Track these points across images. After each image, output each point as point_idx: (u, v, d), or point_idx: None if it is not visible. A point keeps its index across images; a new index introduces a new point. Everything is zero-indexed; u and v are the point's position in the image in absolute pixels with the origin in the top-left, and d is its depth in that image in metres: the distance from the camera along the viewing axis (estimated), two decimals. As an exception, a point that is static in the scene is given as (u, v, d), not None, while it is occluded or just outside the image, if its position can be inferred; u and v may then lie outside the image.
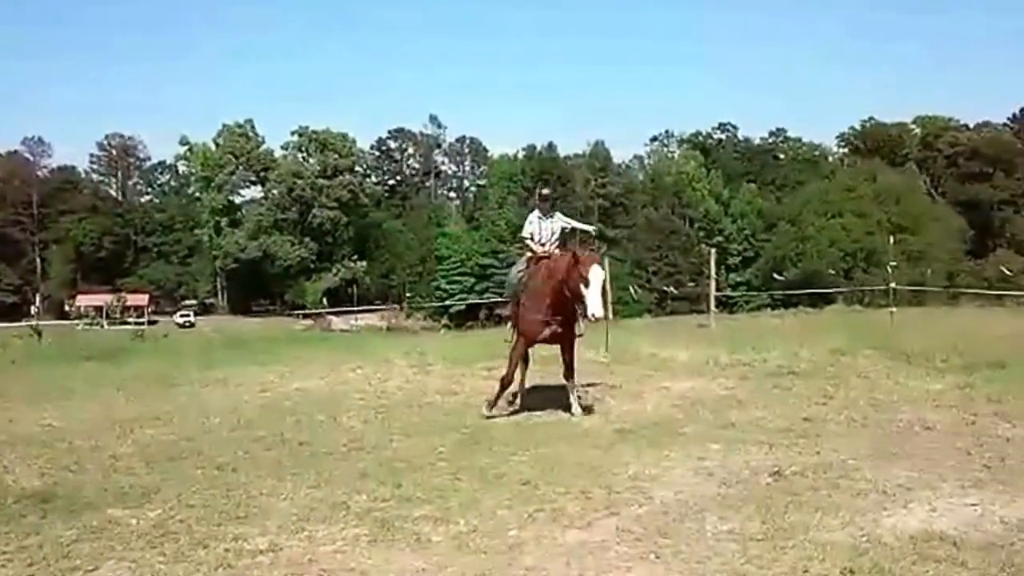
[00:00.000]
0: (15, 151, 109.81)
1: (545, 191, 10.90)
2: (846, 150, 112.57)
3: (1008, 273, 60.80)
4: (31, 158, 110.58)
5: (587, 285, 9.20)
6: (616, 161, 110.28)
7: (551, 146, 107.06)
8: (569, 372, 10.03)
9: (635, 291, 48.17)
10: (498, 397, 10.00)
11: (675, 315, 39.83)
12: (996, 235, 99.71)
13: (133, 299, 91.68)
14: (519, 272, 10.41)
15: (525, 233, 10.47)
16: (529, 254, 10.38)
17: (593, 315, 9.30)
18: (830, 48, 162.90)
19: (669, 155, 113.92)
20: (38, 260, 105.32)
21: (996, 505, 5.97)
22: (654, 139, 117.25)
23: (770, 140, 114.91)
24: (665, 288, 59.68)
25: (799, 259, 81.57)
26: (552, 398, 10.52)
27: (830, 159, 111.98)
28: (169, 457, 8.13)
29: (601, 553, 5.37)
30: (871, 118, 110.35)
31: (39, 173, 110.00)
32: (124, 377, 13.97)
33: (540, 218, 10.40)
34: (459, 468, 7.37)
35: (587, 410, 9.79)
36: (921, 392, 10.31)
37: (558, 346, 10.06)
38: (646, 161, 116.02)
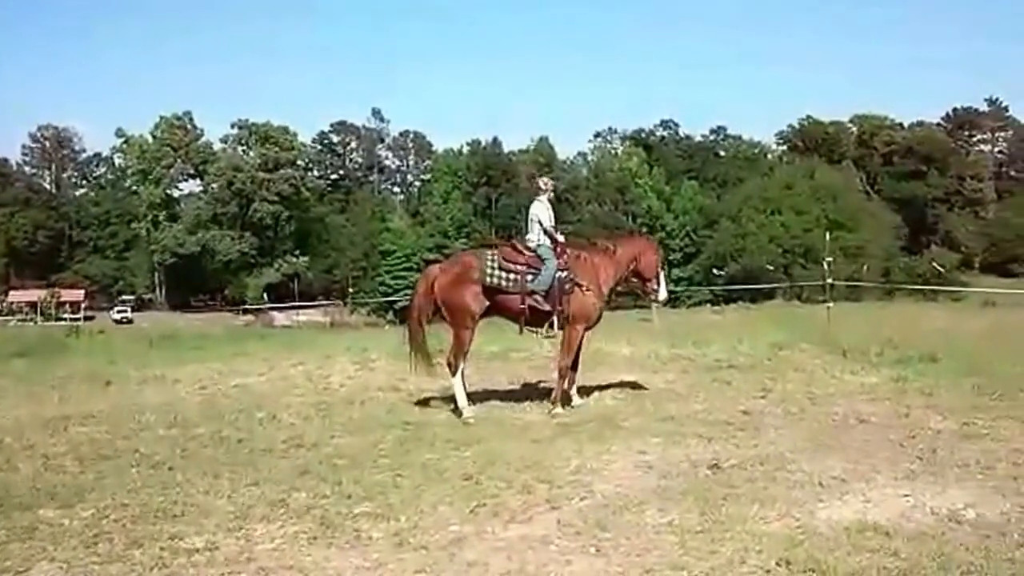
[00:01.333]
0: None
1: (549, 180, 10.66)
2: (785, 148, 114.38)
3: (941, 269, 62.44)
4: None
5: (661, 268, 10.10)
6: (560, 157, 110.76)
7: (496, 141, 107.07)
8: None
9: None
10: (565, 389, 9.85)
11: (619, 310, 40.08)
12: (930, 232, 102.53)
13: (68, 295, 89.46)
14: (559, 264, 9.82)
15: (548, 223, 10.05)
16: (552, 244, 9.96)
17: (661, 298, 10.41)
18: (770, 46, 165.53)
19: (612, 152, 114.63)
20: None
21: (927, 496, 6.10)
22: (597, 135, 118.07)
23: (711, 137, 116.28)
24: (608, 284, 60.00)
25: (739, 255, 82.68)
26: (495, 394, 10.54)
27: (769, 156, 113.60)
28: (103, 456, 7.98)
29: (542, 547, 5.38)
30: (809, 116, 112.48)
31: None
32: (57, 375, 13.64)
33: (547, 208, 10.14)
34: (400, 464, 7.33)
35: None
36: (856, 385, 10.52)
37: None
38: (590, 157, 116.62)
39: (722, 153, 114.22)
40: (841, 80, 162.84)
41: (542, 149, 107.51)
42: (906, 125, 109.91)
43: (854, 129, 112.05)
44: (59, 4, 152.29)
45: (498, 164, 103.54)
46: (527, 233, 10.09)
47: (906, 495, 6.15)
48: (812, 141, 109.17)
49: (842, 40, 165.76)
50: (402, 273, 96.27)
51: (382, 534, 5.64)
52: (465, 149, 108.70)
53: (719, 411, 9.25)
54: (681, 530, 5.55)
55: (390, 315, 79.42)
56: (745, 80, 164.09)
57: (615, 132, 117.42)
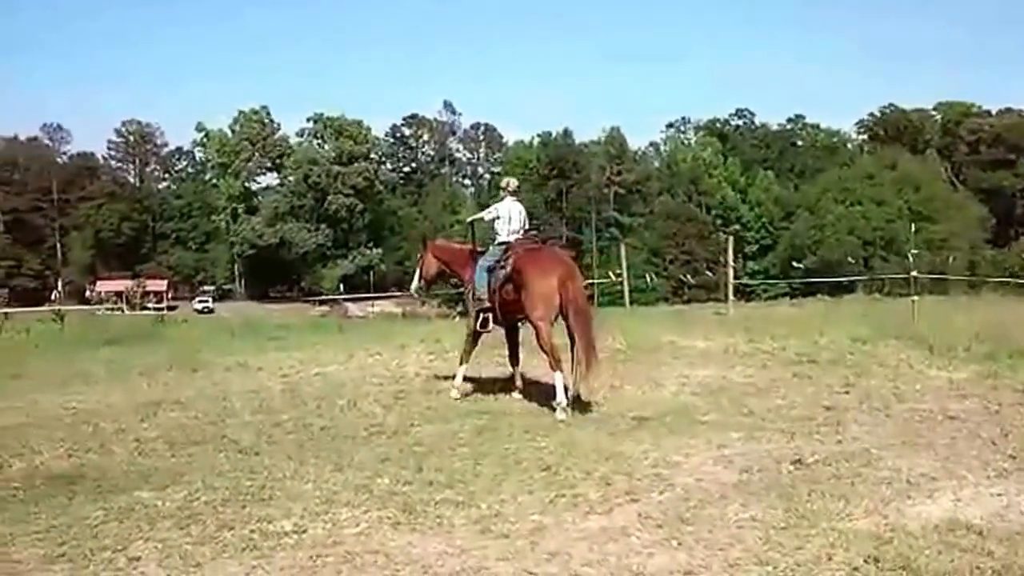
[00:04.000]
0: (34, 137, 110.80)
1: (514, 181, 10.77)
2: (865, 137, 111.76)
3: (1030, 262, 60.28)
4: (50, 144, 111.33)
5: None
6: (632, 148, 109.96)
7: (567, 132, 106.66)
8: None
9: (651, 279, 47.97)
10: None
11: (692, 303, 39.72)
12: (1019, 223, 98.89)
13: (152, 285, 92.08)
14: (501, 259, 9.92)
15: (488, 216, 10.40)
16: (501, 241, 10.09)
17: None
18: (849, 33, 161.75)
19: (686, 142, 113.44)
20: (58, 246, 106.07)
21: (1022, 496, 5.93)
22: (670, 126, 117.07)
23: (788, 126, 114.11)
24: (682, 276, 59.42)
25: (817, 247, 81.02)
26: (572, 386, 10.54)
27: (849, 146, 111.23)
28: (193, 440, 8.21)
29: (623, 539, 5.37)
30: (891, 104, 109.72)
31: (58, 159, 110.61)
32: (146, 361, 14.06)
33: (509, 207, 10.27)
34: (479, 453, 7.40)
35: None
36: (944, 381, 10.24)
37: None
38: (662, 148, 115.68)
39: (800, 143, 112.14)
40: (924, 67, 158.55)
41: (613, 140, 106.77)
42: (993, 112, 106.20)
43: (938, 117, 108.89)
44: (141, 3, 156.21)
45: (569, 156, 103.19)
46: (510, 232, 10.10)
47: (999, 494, 6.00)
48: (894, 130, 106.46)
49: (925, 25, 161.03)
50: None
51: (464, 521, 5.70)
52: (536, 141, 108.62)
53: (800, 406, 9.09)
54: (764, 525, 5.49)
55: (460, 307, 79.98)
56: (824, 68, 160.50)
57: (688, 122, 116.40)
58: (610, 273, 26.27)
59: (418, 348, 13.80)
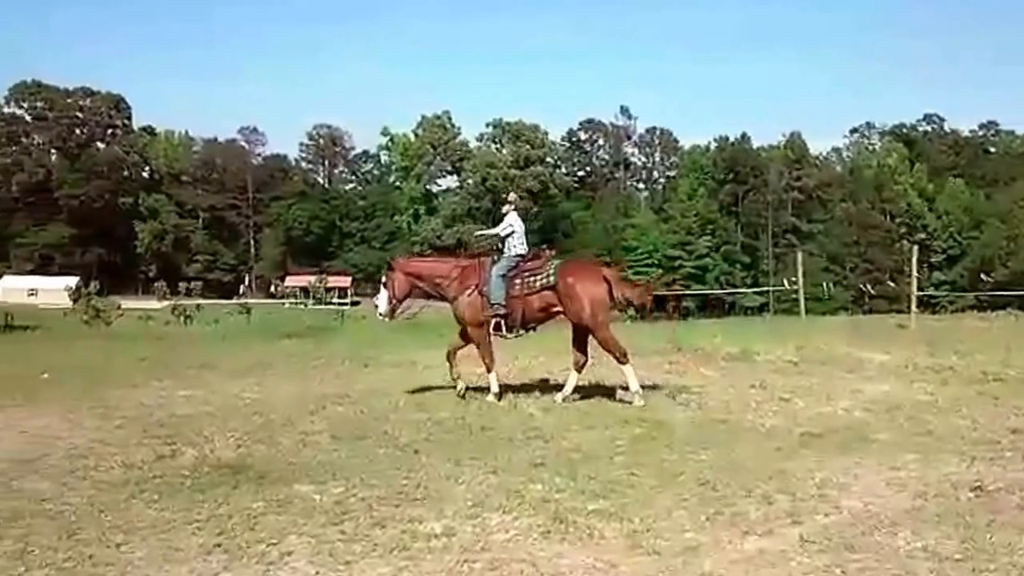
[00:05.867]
0: (232, 139, 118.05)
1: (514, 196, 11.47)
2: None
3: None
4: (246, 146, 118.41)
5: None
6: (813, 153, 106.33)
7: (744, 137, 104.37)
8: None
9: (829, 287, 46.00)
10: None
11: (873, 314, 37.80)
12: None
13: (335, 281, 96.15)
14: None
15: (504, 232, 10.70)
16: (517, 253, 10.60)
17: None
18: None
19: (870, 147, 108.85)
20: (252, 242, 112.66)
21: None
22: (854, 131, 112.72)
23: (980, 133, 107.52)
24: (862, 285, 56.79)
25: (1009, 258, 75.88)
26: (737, 398, 10.22)
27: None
28: (355, 435, 8.41)
29: (782, 563, 5.08)
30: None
31: (254, 160, 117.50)
32: (322, 356, 14.66)
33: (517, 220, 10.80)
34: (636, 463, 7.22)
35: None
36: None
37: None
38: (845, 153, 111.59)
39: (992, 150, 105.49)
40: None
41: (794, 144, 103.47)
42: None
43: None
44: (328, 13, 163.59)
45: (746, 160, 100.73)
46: (518, 244, 10.61)
47: None
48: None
49: None
50: (644, 269, 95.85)
51: (615, 534, 5.55)
52: (712, 145, 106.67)
53: (984, 428, 8.45)
54: (937, 556, 5.07)
55: (631, 310, 79.36)
56: (1019, 73, 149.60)
57: (873, 127, 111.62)
58: (785, 281, 25.41)
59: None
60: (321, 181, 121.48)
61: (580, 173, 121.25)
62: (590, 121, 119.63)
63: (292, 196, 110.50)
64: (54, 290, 74.61)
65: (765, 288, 76.52)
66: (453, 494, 6.37)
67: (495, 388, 10.35)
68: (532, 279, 10.30)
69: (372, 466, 7.17)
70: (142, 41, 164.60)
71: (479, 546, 5.35)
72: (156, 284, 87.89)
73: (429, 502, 6.18)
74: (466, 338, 10.69)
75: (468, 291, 10.47)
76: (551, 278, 10.22)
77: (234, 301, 52.31)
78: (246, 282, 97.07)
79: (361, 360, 13.80)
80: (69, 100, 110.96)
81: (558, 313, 10.37)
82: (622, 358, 10.09)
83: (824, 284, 45.41)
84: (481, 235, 11.22)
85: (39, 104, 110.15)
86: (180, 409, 10.01)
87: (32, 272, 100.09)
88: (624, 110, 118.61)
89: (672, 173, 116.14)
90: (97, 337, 21.60)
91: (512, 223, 10.67)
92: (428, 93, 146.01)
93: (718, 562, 5.10)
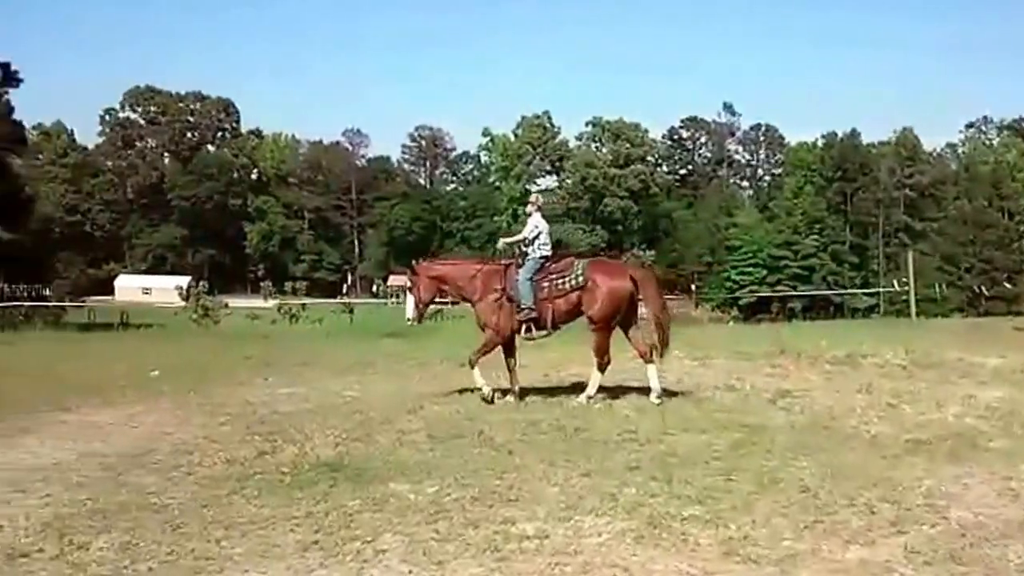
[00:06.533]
0: (337, 142, 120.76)
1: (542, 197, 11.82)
2: None
3: None
4: (350, 148, 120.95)
5: None
6: (926, 149, 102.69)
7: (853, 133, 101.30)
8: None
9: (942, 288, 44.33)
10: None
11: (988, 316, 36.24)
12: None
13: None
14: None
15: (531, 234, 10.65)
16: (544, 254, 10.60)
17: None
18: None
19: (987, 143, 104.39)
20: (356, 242, 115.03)
21: None
22: (970, 125, 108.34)
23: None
24: (977, 287, 54.52)
25: None
26: (842, 403, 9.91)
27: None
28: (452, 435, 8.46)
29: (885, 575, 4.90)
30: None
31: (357, 162, 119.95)
32: (421, 355, 14.83)
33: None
34: (733, 468, 7.06)
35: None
36: None
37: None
38: (960, 149, 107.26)
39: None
40: None
41: (905, 140, 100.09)
42: None
43: None
44: (429, 17, 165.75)
45: (855, 157, 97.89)
46: (541, 245, 10.58)
47: None
48: None
49: None
50: (748, 269, 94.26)
51: (710, 541, 5.43)
52: (820, 142, 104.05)
53: (1110, 439, 7.98)
54: (1054, 574, 4.81)
55: (734, 311, 78.13)
56: None
57: (991, 122, 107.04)
58: (895, 282, 24.65)
59: (681, 353, 13.53)
60: (422, 182, 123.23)
61: (682, 171, 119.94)
62: (692, 118, 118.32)
63: (395, 197, 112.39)
64: (166, 289, 77.83)
65: (875, 289, 74.44)
66: (546, 496, 6.34)
67: (479, 383, 10.35)
68: (560, 281, 10.37)
69: (467, 466, 7.20)
70: (250, 46, 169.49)
71: (571, 549, 5.31)
72: (263, 283, 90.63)
73: (522, 503, 6.17)
74: (509, 345, 10.73)
75: (491, 295, 10.51)
76: (579, 279, 10.29)
77: (338, 300, 53.49)
78: (349, 281, 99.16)
79: (458, 360, 13.86)
80: (181, 104, 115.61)
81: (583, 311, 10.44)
82: (602, 364, 10.27)
83: (937, 285, 43.79)
84: (508, 242, 11.15)
85: (152, 109, 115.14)
86: (282, 406, 10.28)
87: (146, 272, 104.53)
88: (727, 107, 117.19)
89: (777, 171, 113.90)
90: (206, 335, 22.37)
91: (537, 224, 10.70)
92: (528, 93, 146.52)
93: (817, 572, 4.96)
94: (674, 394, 10.42)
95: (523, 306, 10.33)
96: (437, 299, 11.48)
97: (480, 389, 10.27)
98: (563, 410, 9.61)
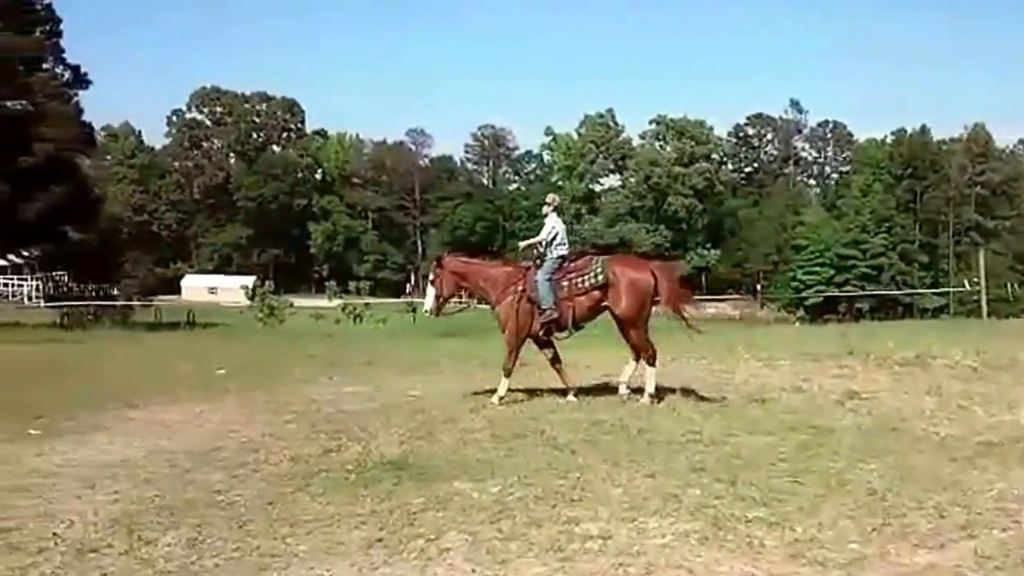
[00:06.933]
0: (400, 142, 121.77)
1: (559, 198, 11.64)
2: None
3: None
4: (414, 148, 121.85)
5: None
6: (999, 146, 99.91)
7: (923, 129, 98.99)
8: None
9: (1014, 288, 42.97)
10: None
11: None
12: None
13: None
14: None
15: (549, 236, 10.64)
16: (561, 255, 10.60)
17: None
18: None
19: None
20: (419, 242, 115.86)
21: None
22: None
23: None
24: (1053, 287, 52.76)
25: None
26: (911, 404, 9.73)
27: None
28: (515, 434, 8.49)
29: (955, 580, 4.83)
30: None
31: (421, 162, 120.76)
32: (484, 353, 14.90)
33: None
34: (800, 470, 6.97)
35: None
36: None
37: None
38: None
39: None
40: None
41: (977, 137, 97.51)
42: None
43: None
44: (490, 18, 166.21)
45: (925, 154, 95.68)
46: (558, 245, 10.56)
47: None
48: None
49: None
50: (815, 268, 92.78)
51: (776, 543, 5.38)
52: (889, 139, 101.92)
53: None
54: None
55: (801, 311, 77.00)
56: None
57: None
58: (966, 281, 24.05)
59: (747, 354, 13.44)
60: (485, 182, 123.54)
61: (747, 169, 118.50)
62: (758, 116, 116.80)
63: (458, 197, 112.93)
64: (232, 288, 79.28)
65: (945, 289, 72.67)
66: (610, 496, 6.34)
67: (502, 392, 10.33)
68: (579, 280, 10.40)
69: (530, 465, 7.22)
70: (314, 47, 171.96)
71: (635, 550, 5.31)
72: (328, 283, 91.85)
73: (586, 503, 6.18)
74: (546, 344, 10.78)
75: (511, 296, 10.51)
76: (599, 277, 10.32)
77: (401, 300, 53.96)
78: (412, 281, 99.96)
79: (521, 359, 13.90)
80: (246, 105, 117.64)
81: (606, 308, 10.43)
82: (650, 359, 10.28)
83: (1009, 284, 42.52)
84: (527, 244, 11.12)
85: (219, 109, 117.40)
86: (347, 405, 10.43)
87: (212, 271, 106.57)
88: (794, 103, 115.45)
89: (845, 168, 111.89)
90: (271, 334, 22.78)
91: (554, 225, 10.71)
92: (591, 92, 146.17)
93: (885, 576, 4.89)
94: (752, 397, 10.31)
95: (543, 307, 10.34)
96: (460, 296, 11.42)
97: (502, 397, 10.30)
98: (626, 410, 9.58)
